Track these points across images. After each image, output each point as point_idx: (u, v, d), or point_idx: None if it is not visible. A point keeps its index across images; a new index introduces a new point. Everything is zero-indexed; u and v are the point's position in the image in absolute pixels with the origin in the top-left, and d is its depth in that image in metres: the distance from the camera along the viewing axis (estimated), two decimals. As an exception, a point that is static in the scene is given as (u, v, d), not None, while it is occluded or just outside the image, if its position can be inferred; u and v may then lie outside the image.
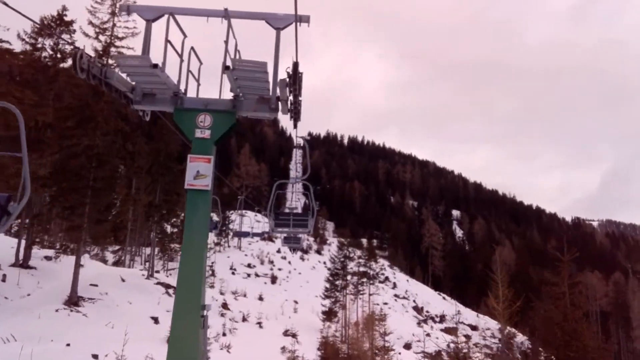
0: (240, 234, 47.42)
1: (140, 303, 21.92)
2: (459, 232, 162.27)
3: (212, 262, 61.48)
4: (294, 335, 24.18)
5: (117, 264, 37.98)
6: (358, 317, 33.11)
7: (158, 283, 25.55)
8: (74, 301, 19.26)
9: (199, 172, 6.44)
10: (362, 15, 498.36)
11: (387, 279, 37.12)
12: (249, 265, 65.92)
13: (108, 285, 22.70)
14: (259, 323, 25.56)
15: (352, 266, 33.75)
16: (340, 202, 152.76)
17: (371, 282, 33.83)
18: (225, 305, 26.14)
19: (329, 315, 33.25)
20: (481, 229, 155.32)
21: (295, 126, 8.06)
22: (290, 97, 6.82)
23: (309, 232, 14.31)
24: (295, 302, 58.50)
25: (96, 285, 22.00)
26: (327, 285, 33.93)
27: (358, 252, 35.86)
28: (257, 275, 64.02)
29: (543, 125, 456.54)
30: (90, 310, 19.28)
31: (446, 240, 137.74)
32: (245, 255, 69.21)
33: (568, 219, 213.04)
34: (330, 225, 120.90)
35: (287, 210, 16.68)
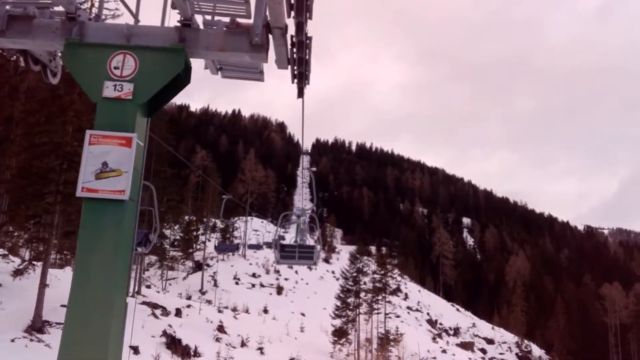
0: (226, 248, 43.72)
1: (120, 327, 18.92)
2: (469, 241, 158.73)
3: (214, 272, 58.61)
4: (300, 365, 21.05)
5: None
6: (372, 339, 29.91)
7: (144, 303, 22.42)
8: (37, 327, 16.16)
9: (107, 164, 3.32)
10: (380, 14, 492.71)
11: (398, 289, 33.86)
12: (253, 275, 62.81)
13: (84, 306, 19.76)
14: (260, 349, 22.39)
15: (365, 281, 30.56)
16: (349, 209, 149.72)
17: (388, 300, 30.59)
18: (221, 328, 23.01)
19: (339, 335, 29.99)
20: (492, 238, 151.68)
21: (300, 95, 4.93)
22: (292, 33, 3.74)
23: (315, 264, 14.71)
24: (302, 314, 55.40)
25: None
26: (338, 303, 30.66)
27: (373, 267, 32.57)
28: (262, 285, 60.90)
29: (561, 129, 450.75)
30: (56, 339, 16.18)
31: (457, 249, 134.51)
32: (250, 264, 66.06)
33: (580, 227, 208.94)
34: (338, 233, 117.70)
35: (292, 242, 16.66)
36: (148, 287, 34.78)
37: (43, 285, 16.51)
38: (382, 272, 30.68)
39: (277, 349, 23.83)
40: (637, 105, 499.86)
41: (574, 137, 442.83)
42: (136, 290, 24.47)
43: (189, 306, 25.93)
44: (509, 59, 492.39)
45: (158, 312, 21.94)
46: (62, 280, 24.08)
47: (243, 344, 22.54)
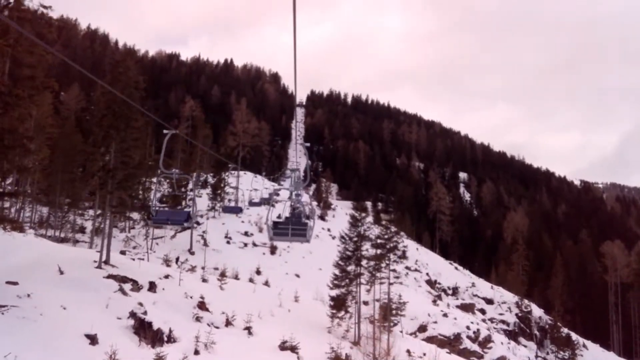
0: (231, 210, 41.12)
1: (78, 308, 15.56)
2: (466, 196, 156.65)
3: (204, 231, 55.50)
4: (293, 349, 17.90)
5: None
6: (374, 310, 26.94)
7: (110, 276, 19.09)
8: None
9: None
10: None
11: (404, 255, 30.94)
12: (245, 234, 59.77)
13: (36, 281, 16.39)
14: (248, 328, 19.20)
15: (367, 247, 27.42)
16: (344, 163, 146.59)
17: (393, 269, 27.46)
18: (202, 305, 19.73)
19: (337, 305, 26.99)
20: (489, 193, 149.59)
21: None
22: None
23: (308, 241, 14.62)
24: (297, 275, 52.73)
25: (15, 284, 15.68)
26: (337, 271, 27.55)
27: (377, 230, 29.35)
28: (254, 244, 58.01)
29: (563, 82, 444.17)
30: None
31: (454, 205, 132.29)
32: (242, 222, 62.83)
33: (576, 182, 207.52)
34: (334, 188, 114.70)
35: (287, 215, 16.84)
36: (122, 253, 31.57)
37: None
38: (387, 236, 27.52)
39: (267, 327, 20.68)
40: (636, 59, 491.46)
41: (576, 90, 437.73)
42: (104, 259, 21.12)
43: (167, 276, 22.66)
44: (516, 9, 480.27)
45: (127, 286, 18.59)
46: (19, 247, 20.65)
47: (228, 323, 19.32)
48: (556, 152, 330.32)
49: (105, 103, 23.08)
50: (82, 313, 15.39)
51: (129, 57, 24.93)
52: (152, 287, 19.73)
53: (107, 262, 21.13)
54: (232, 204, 65.21)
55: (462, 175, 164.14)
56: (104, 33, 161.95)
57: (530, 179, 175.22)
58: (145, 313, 16.25)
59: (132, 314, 15.79)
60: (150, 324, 15.59)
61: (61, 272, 18.07)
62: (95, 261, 20.56)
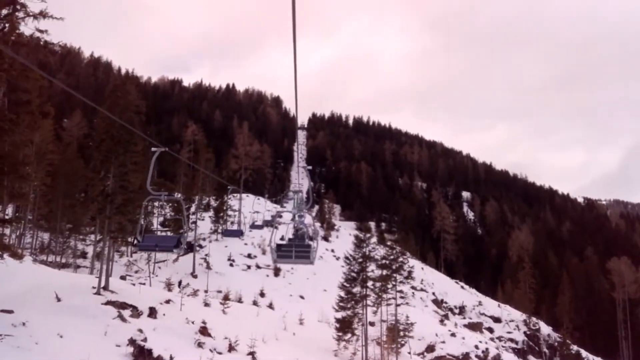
0: (232, 233, 40.56)
1: (75, 336, 15.07)
2: (470, 215, 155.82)
3: (206, 254, 54.97)
4: (299, 375, 17.33)
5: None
6: (381, 331, 26.26)
7: (108, 302, 18.58)
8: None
9: None
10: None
11: (410, 276, 30.35)
12: (249, 256, 59.29)
13: (32, 309, 15.91)
14: (252, 353, 18.61)
15: (373, 268, 26.80)
16: (347, 184, 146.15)
17: (399, 290, 26.81)
18: (204, 331, 19.18)
19: (343, 327, 26.30)
20: (493, 211, 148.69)
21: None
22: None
23: (312, 263, 14.47)
24: (302, 297, 52.03)
25: (11, 312, 15.20)
26: (342, 293, 26.90)
27: (382, 251, 28.78)
28: (258, 267, 57.49)
29: (564, 100, 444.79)
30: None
31: (458, 224, 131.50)
32: (245, 244, 62.36)
33: (580, 199, 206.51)
34: (336, 209, 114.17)
35: (290, 236, 17.38)
36: (123, 278, 31.02)
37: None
38: (392, 257, 26.93)
39: (272, 351, 20.09)
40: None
41: (578, 107, 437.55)
42: (103, 285, 20.61)
43: (168, 302, 22.12)
44: (515, 27, 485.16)
45: (127, 313, 18.08)
46: (16, 273, 20.22)
47: (231, 348, 18.75)
48: (559, 170, 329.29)
49: (104, 128, 22.83)
50: (79, 341, 14.90)
51: (129, 81, 24.62)
52: (153, 312, 19.21)
53: (106, 287, 20.62)
54: (235, 226, 64.71)
55: (465, 194, 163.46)
56: (107, 60, 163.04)
57: (533, 197, 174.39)
58: (145, 340, 15.73)
59: (132, 341, 15.27)
60: (150, 351, 15.07)
61: (58, 299, 17.59)
62: (94, 287, 20.07)
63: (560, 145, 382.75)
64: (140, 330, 16.40)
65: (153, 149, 10.87)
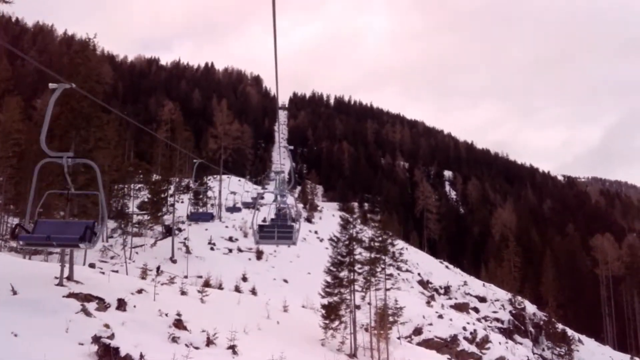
0: (200, 217, 37.75)
1: (32, 335, 13.29)
2: (452, 194, 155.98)
3: (185, 238, 53.08)
4: (285, 371, 15.81)
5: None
6: (370, 319, 24.88)
7: (71, 295, 16.71)
8: None
9: None
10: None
11: (401, 258, 29.08)
12: (230, 239, 57.60)
13: (-17, 305, 14.13)
14: (232, 347, 16.98)
15: (360, 251, 25.35)
16: (329, 164, 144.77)
17: (389, 274, 25.42)
18: (179, 323, 17.46)
19: (329, 313, 24.86)
20: (475, 190, 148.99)
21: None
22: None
23: (294, 244, 14.03)
24: (285, 281, 50.64)
25: (-44, 309, 13.41)
26: (328, 278, 25.44)
27: (369, 232, 27.32)
28: (240, 250, 55.89)
29: (547, 79, 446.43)
30: None
31: (440, 203, 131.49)
32: (226, 227, 60.69)
33: (560, 177, 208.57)
34: (319, 190, 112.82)
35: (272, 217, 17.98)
36: (92, 265, 29.07)
37: None
38: (381, 238, 25.51)
39: (254, 343, 18.49)
40: (628, 52, 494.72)
41: (560, 86, 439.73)
42: (66, 275, 18.72)
43: (140, 291, 20.33)
44: (501, 6, 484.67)
45: (92, 306, 16.19)
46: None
47: (209, 342, 17.07)
48: (541, 148, 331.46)
49: (62, 99, 20.66)
50: (36, 340, 13.11)
51: (88, 47, 22.44)
52: (122, 304, 17.44)
53: (70, 277, 18.74)
54: (214, 209, 62.71)
55: (447, 173, 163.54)
56: (81, 38, 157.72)
57: (514, 175, 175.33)
58: (111, 336, 14.02)
59: (96, 339, 13.55)
60: (117, 350, 13.37)
61: (14, 292, 15.74)
62: (56, 277, 18.24)
63: (542, 124, 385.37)
64: (107, 326, 14.68)
65: (51, 85, 8.20)
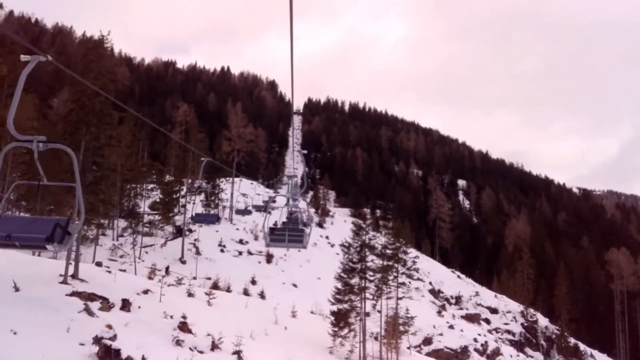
0: (204, 219, 36.15)
1: (32, 333, 12.96)
2: (465, 203, 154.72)
3: (196, 239, 52.83)
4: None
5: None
6: (381, 328, 24.27)
7: (74, 293, 16.38)
8: None
9: None
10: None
11: (414, 267, 28.48)
12: (240, 242, 57.29)
13: (-17, 301, 13.82)
14: (238, 352, 16.51)
15: (372, 258, 24.76)
16: (342, 170, 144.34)
17: (402, 282, 24.84)
18: (184, 326, 17.01)
19: (339, 320, 24.29)
20: (489, 200, 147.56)
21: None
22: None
23: (305, 247, 14.34)
24: (294, 285, 50.11)
25: (-44, 305, 13.10)
26: (339, 285, 24.86)
27: (382, 239, 26.74)
28: (250, 253, 55.50)
29: (563, 89, 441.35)
30: None
31: (454, 212, 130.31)
32: (237, 229, 60.39)
33: (575, 190, 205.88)
34: (331, 195, 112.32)
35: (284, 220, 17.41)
36: (99, 264, 28.76)
37: None
38: (394, 246, 24.93)
39: (261, 349, 18.00)
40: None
41: (577, 97, 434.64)
42: (71, 273, 18.38)
43: (146, 292, 19.97)
44: (516, 16, 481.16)
45: (95, 305, 15.85)
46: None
47: (214, 347, 16.62)
48: (556, 160, 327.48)
49: (74, 95, 20.30)
50: (36, 339, 12.76)
51: (102, 45, 22.12)
52: (126, 305, 17.06)
53: (75, 276, 18.40)
54: (222, 211, 62.36)
55: (461, 182, 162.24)
56: (93, 37, 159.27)
57: (529, 186, 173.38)
58: (113, 338, 13.62)
59: (97, 340, 13.16)
60: (118, 352, 12.97)
61: (17, 289, 15.43)
62: (61, 275, 17.90)
63: (557, 135, 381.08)
64: (110, 326, 14.29)
65: (23, 57, 7.36)
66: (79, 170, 6.64)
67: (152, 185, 61.92)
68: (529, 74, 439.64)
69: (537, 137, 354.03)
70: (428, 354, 38.56)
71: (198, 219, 30.52)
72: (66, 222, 6.63)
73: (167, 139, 76.04)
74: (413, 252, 42.92)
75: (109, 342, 13.15)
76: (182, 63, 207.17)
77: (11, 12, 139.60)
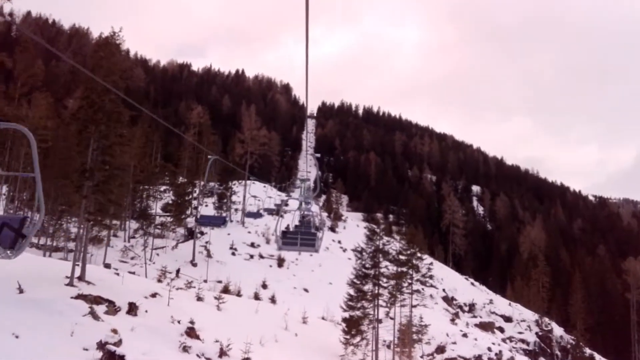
0: (210, 221, 35.26)
1: (34, 337, 12.55)
2: (479, 209, 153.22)
3: (207, 242, 52.48)
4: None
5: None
6: (394, 336, 23.61)
7: (79, 296, 15.97)
8: None
9: None
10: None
11: (429, 274, 27.78)
12: (252, 245, 56.83)
13: (-13, 303, 13.44)
14: (246, 359, 16.07)
15: (386, 264, 24.13)
16: (355, 174, 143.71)
17: (416, 289, 24.18)
18: (191, 332, 16.54)
19: (351, 327, 23.68)
20: (503, 206, 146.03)
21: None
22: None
23: (317, 251, 14.45)
24: (306, 290, 49.54)
25: (-43, 306, 12.72)
26: (351, 291, 24.25)
27: (396, 244, 26.10)
28: (261, 256, 55.01)
29: (583, 95, 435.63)
30: None
31: (468, 218, 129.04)
32: (249, 232, 59.98)
33: (591, 197, 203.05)
34: (344, 199, 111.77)
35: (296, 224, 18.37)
36: (107, 266, 28.39)
37: None
38: (409, 252, 24.28)
39: (270, 356, 17.48)
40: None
41: (594, 103, 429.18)
42: (78, 275, 17.99)
43: (154, 295, 19.52)
44: (534, 21, 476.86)
45: (101, 309, 15.42)
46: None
47: (222, 354, 16.09)
48: (572, 167, 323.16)
49: (83, 92, 19.92)
50: (38, 343, 12.34)
51: (113, 41, 21.73)
52: (132, 308, 16.61)
53: (81, 277, 17.99)
54: (238, 215, 62.04)
55: (475, 188, 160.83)
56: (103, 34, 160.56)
57: (544, 193, 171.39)
58: (118, 343, 13.17)
59: (101, 345, 12.71)
60: (122, 358, 12.51)
61: (21, 291, 15.05)
62: (67, 277, 17.50)
63: (574, 142, 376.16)
64: (115, 331, 13.84)
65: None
66: (37, 157, 5.54)
67: (164, 187, 61.72)
68: (545, 80, 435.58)
69: (554, 144, 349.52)
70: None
71: (203, 221, 29.91)
72: (20, 222, 5.47)
73: (181, 140, 75.98)
74: (428, 258, 42.22)
75: (113, 348, 12.71)
76: (198, 65, 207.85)
77: (29, 13, 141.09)
